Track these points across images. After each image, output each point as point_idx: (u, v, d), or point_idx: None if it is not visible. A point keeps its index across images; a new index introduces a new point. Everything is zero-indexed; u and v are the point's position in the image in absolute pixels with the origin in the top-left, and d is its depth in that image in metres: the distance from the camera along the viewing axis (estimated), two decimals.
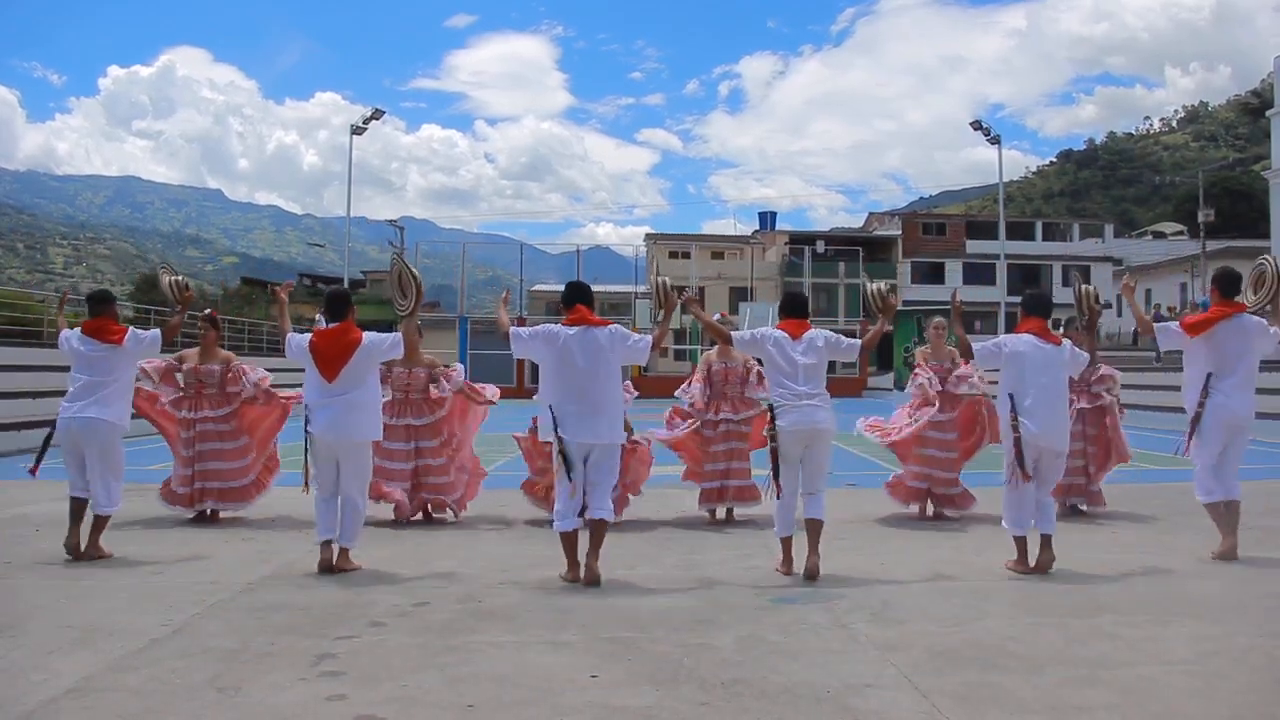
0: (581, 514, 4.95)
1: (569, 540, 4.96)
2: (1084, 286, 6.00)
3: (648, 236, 56.66)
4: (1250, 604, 4.47)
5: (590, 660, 3.61)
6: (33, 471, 5.54)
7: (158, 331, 5.76)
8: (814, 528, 5.05)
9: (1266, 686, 3.41)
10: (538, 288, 56.31)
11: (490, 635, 3.95)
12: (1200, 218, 43.24)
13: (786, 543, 5.13)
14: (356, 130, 32.81)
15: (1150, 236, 63.13)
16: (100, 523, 5.45)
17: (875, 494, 7.58)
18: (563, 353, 4.92)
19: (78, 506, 5.43)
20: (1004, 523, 5.31)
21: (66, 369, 5.73)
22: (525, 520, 6.80)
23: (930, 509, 7.07)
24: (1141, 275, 51.32)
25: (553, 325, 5.07)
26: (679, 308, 5.47)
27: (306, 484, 5.25)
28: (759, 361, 5.89)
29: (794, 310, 5.32)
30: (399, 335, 5.36)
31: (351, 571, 5.09)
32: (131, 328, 5.75)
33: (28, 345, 16.71)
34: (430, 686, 3.32)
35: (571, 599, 4.56)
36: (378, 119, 33.61)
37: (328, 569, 5.04)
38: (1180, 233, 60.18)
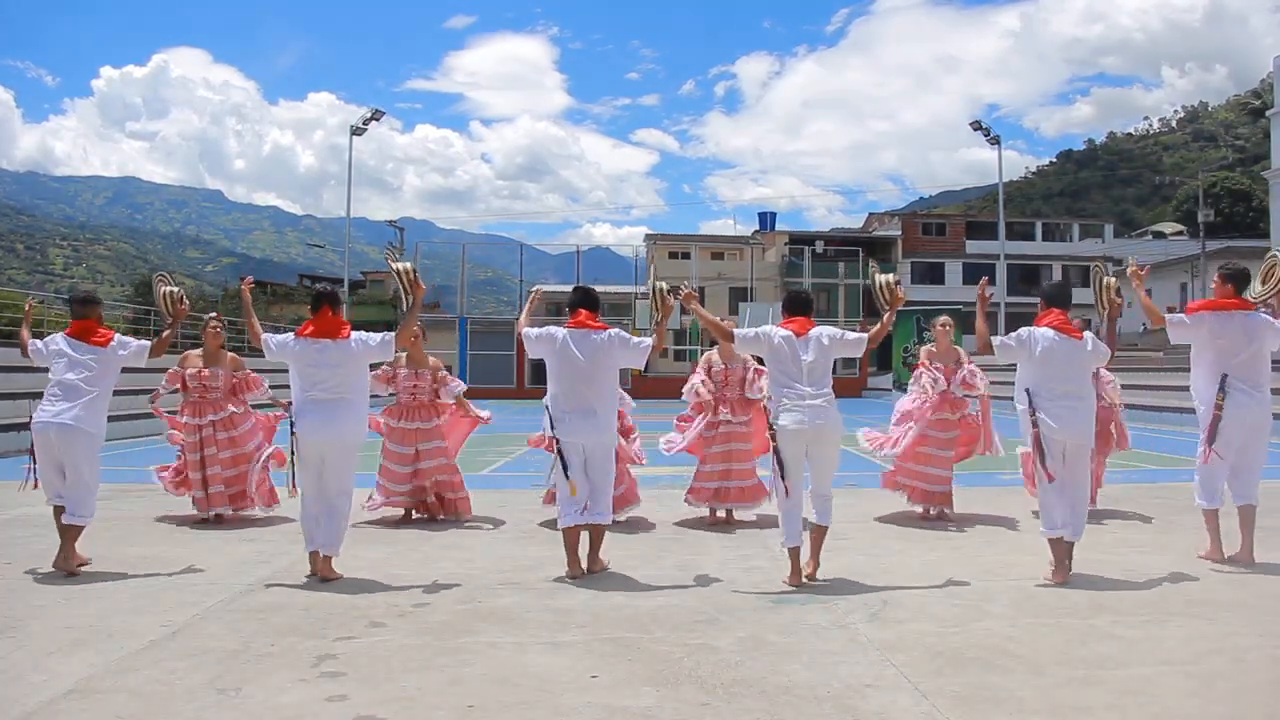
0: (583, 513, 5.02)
1: (570, 537, 5.03)
2: (1105, 279, 5.55)
3: (647, 237, 56.47)
4: (1250, 604, 4.47)
5: (590, 661, 3.60)
6: (35, 485, 5.28)
7: (146, 343, 5.45)
8: (819, 534, 4.92)
9: (1265, 686, 3.40)
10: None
11: (490, 636, 3.95)
12: (1200, 218, 43.27)
13: (795, 553, 4.81)
14: (356, 131, 32.77)
15: (1150, 237, 63.12)
16: (73, 533, 5.07)
17: (875, 494, 7.58)
18: (562, 352, 5.03)
19: (59, 514, 5.13)
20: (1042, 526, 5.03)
21: None
22: (524, 521, 6.80)
23: (932, 510, 7.05)
24: None
25: (556, 327, 5.11)
26: (678, 307, 5.37)
27: (293, 486, 5.08)
28: (759, 361, 5.73)
29: (798, 308, 5.13)
30: (389, 336, 5.06)
31: (334, 580, 4.84)
32: (118, 334, 5.44)
33: None
34: (430, 687, 3.32)
35: (571, 599, 4.56)
36: (377, 119, 33.59)
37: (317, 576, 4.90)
38: (1180, 233, 60.22)
